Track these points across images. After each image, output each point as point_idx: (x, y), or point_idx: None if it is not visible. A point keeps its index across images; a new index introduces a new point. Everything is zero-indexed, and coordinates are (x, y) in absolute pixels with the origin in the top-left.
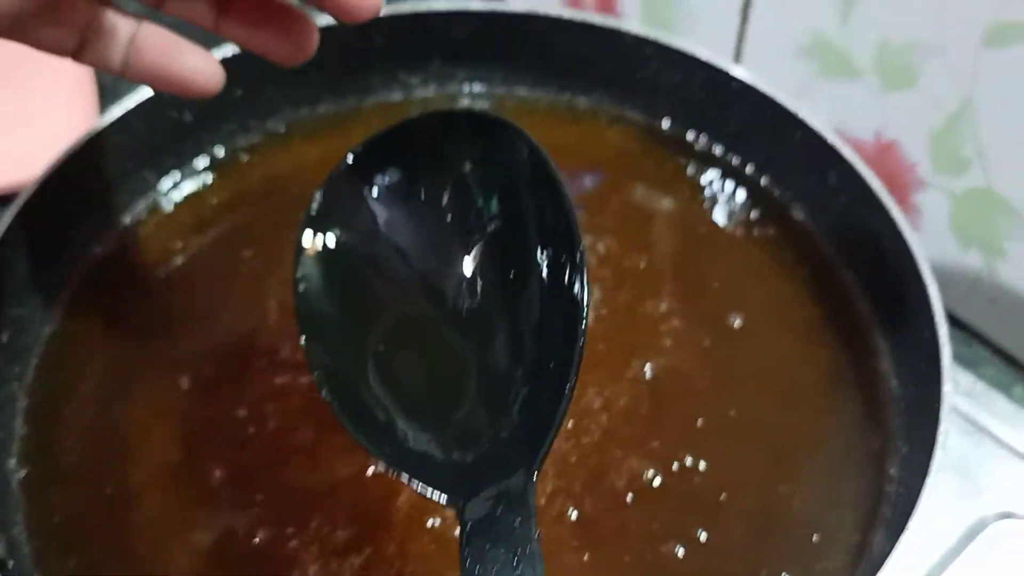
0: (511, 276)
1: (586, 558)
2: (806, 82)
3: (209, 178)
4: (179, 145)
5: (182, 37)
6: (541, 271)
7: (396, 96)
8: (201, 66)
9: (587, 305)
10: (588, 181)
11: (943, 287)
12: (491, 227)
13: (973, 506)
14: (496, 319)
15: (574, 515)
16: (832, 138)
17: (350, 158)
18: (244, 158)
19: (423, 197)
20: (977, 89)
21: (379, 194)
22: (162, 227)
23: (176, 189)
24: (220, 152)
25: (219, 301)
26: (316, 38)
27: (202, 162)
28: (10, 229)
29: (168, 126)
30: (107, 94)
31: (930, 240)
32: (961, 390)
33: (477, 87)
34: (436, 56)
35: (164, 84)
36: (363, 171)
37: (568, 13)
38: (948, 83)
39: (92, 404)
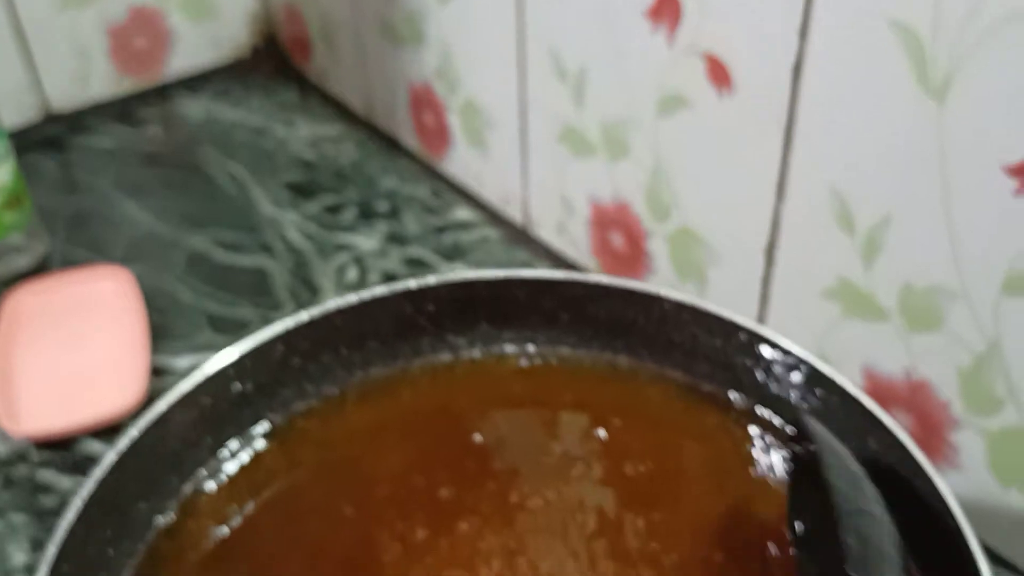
0: None
1: None
2: (832, 322)
3: (266, 444)
4: (239, 414)
5: None
6: None
7: (445, 357)
8: None
9: None
10: (630, 437)
11: (986, 526)
12: None
13: None
14: None
15: None
16: (872, 405)
17: None
18: (300, 423)
19: None
20: (1002, 332)
21: None
22: (221, 495)
23: (235, 457)
24: (277, 418)
25: (277, 570)
26: None
27: (260, 429)
28: (86, 507)
29: (229, 396)
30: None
31: (970, 479)
32: None
33: (520, 347)
34: (483, 320)
35: None
36: None
37: (608, 279)
38: (973, 326)
39: None
